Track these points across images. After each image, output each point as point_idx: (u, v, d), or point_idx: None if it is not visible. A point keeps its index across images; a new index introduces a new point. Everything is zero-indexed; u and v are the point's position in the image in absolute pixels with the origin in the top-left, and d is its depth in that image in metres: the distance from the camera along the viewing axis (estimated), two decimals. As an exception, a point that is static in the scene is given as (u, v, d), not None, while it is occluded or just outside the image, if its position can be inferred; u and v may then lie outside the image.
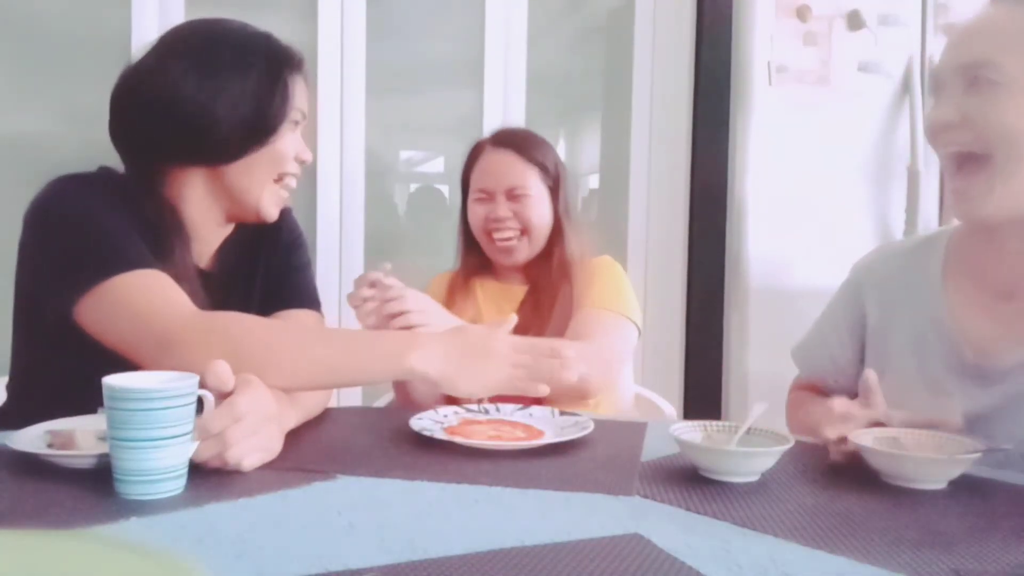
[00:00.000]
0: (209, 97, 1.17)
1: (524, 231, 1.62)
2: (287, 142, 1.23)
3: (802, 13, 2.47)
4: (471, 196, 1.67)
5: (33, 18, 2.24)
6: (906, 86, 2.51)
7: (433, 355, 1.08)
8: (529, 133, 1.72)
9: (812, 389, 1.35)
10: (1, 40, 2.22)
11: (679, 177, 2.73)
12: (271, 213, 1.26)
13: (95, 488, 0.84)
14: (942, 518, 0.84)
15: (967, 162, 1.03)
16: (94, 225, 1.12)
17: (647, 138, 2.72)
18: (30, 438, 0.95)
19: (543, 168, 1.65)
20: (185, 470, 0.86)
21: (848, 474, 0.97)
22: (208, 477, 0.89)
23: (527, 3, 2.61)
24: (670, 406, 1.75)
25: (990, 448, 0.95)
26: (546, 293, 1.62)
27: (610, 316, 1.57)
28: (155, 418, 0.83)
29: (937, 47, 2.53)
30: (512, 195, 1.62)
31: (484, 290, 1.71)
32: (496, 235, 1.63)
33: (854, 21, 2.48)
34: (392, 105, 2.56)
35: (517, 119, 2.57)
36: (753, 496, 0.88)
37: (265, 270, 1.33)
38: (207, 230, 1.26)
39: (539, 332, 1.57)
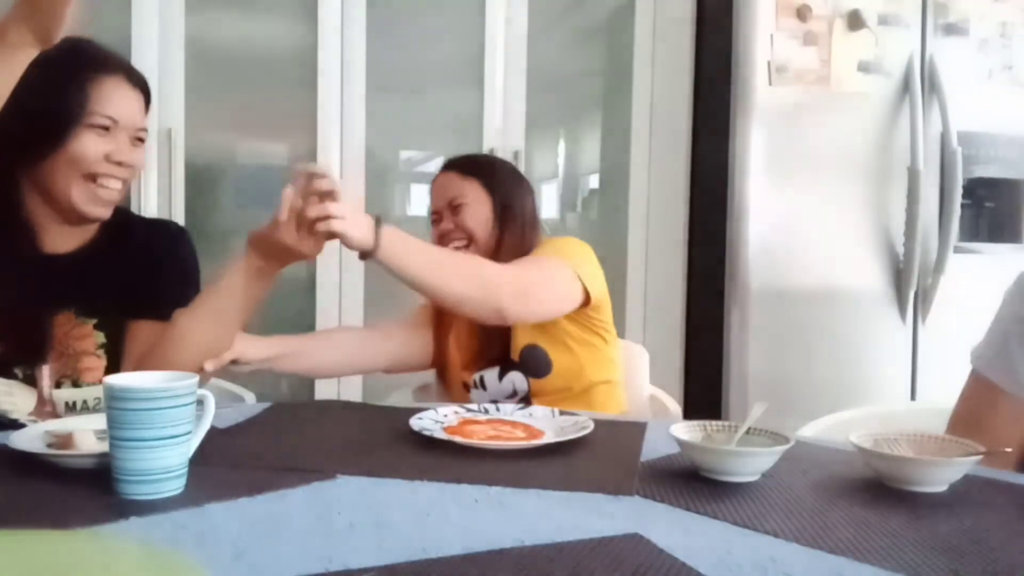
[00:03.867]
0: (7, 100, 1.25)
1: (470, 238, 1.62)
2: (87, 144, 1.28)
3: (802, 13, 2.46)
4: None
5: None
6: (906, 86, 2.51)
7: (254, 252, 1.27)
8: (476, 156, 1.76)
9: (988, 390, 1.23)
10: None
11: (679, 177, 2.73)
12: (89, 211, 1.32)
13: (95, 488, 0.84)
14: (942, 518, 0.84)
15: None
16: None
17: (647, 138, 2.72)
18: (30, 438, 0.95)
19: (482, 177, 1.65)
20: (185, 470, 0.86)
21: (848, 474, 0.97)
22: (208, 477, 0.89)
23: (527, 3, 2.61)
24: (676, 405, 1.75)
25: (991, 451, 0.95)
26: None
27: (543, 256, 1.55)
28: (155, 418, 0.83)
29: (937, 47, 2.53)
30: (452, 207, 1.63)
31: None
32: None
33: (854, 21, 2.48)
34: (392, 105, 2.56)
35: (517, 119, 2.57)
36: (753, 496, 0.88)
37: (134, 278, 1.39)
38: (50, 223, 1.34)
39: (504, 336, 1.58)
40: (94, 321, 1.36)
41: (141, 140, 1.36)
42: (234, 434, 1.10)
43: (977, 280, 2.33)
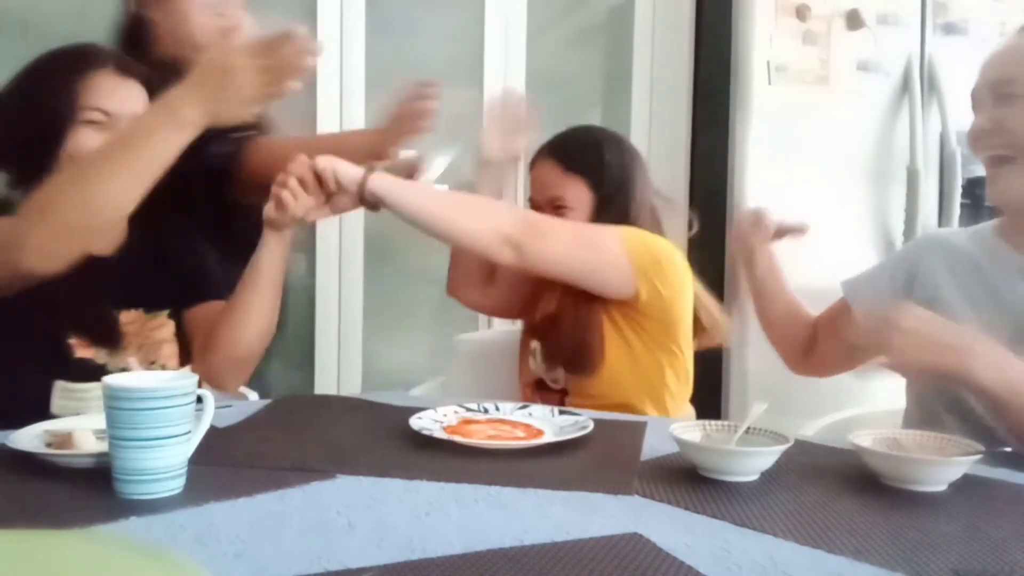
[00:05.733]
0: (9, 110, 1.28)
1: None
2: (84, 141, 1.27)
3: (802, 13, 2.46)
4: None
5: (32, 18, 2.24)
6: (906, 86, 2.51)
7: (193, 96, 1.13)
8: (577, 136, 1.67)
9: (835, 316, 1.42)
10: (1, 40, 2.21)
11: (679, 176, 2.72)
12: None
13: (95, 488, 0.84)
14: (942, 518, 0.84)
15: (1000, 162, 1.22)
16: None
17: (647, 138, 2.72)
18: (29, 438, 0.95)
19: (588, 175, 1.58)
20: (184, 470, 0.86)
21: (848, 474, 0.97)
22: (208, 477, 0.89)
23: (527, 3, 2.61)
24: (689, 406, 1.75)
25: (991, 450, 0.95)
26: None
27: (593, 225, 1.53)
28: (155, 418, 0.83)
29: (937, 47, 2.53)
30: (554, 207, 1.57)
31: None
32: None
33: (854, 21, 2.48)
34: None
35: (517, 119, 2.57)
36: (753, 496, 0.88)
37: (179, 267, 1.40)
38: None
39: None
40: (167, 312, 1.38)
41: None
42: (234, 434, 1.10)
43: (977, 280, 2.32)
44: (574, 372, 1.52)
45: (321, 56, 2.41)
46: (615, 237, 1.48)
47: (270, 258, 1.32)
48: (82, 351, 1.29)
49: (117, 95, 1.30)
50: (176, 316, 1.40)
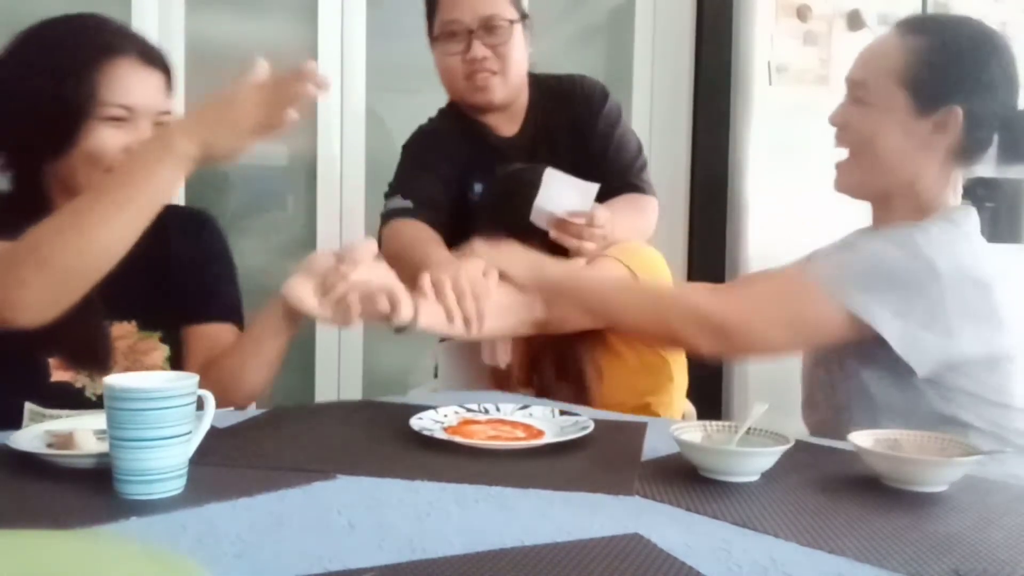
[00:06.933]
0: (13, 94, 1.18)
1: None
2: (102, 138, 1.18)
3: (802, 13, 2.46)
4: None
5: (32, 18, 2.24)
6: (906, 86, 2.51)
7: (189, 130, 1.08)
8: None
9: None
10: (1, 40, 2.21)
11: (679, 177, 2.72)
12: None
13: (95, 488, 0.84)
14: (942, 518, 0.84)
15: (846, 156, 1.35)
16: None
17: (647, 138, 2.72)
18: (30, 438, 0.95)
19: None
20: (185, 470, 0.86)
21: (848, 474, 0.97)
22: (208, 477, 0.89)
23: (527, 3, 2.61)
24: (690, 405, 1.75)
25: (992, 450, 0.95)
26: None
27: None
28: (155, 418, 0.82)
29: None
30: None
31: None
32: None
33: (854, 21, 2.48)
34: (392, 105, 2.55)
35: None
36: (753, 496, 0.88)
37: (183, 280, 1.30)
38: None
39: None
40: (159, 334, 1.30)
41: (160, 124, 1.24)
42: (234, 434, 1.10)
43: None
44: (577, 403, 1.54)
45: (328, 57, 2.42)
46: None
47: (279, 337, 1.26)
48: (59, 373, 1.21)
49: (140, 88, 1.21)
50: (172, 338, 1.32)
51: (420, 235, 1.55)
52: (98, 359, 1.23)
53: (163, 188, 1.10)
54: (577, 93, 1.79)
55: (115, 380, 0.85)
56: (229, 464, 0.95)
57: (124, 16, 2.27)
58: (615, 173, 1.69)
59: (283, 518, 0.79)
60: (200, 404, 0.89)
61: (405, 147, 1.78)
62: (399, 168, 1.75)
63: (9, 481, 0.88)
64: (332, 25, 2.45)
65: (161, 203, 1.12)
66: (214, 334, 1.33)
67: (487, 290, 1.28)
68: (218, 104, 1.10)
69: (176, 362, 1.32)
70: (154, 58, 1.25)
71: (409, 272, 1.29)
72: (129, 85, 1.20)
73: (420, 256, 1.43)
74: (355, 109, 2.47)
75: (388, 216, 1.64)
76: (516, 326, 1.37)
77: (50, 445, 0.95)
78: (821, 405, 1.36)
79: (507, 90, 1.69)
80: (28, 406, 1.19)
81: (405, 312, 1.20)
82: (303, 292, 1.19)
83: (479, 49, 1.62)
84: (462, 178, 1.69)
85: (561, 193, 1.46)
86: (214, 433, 0.94)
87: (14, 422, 1.16)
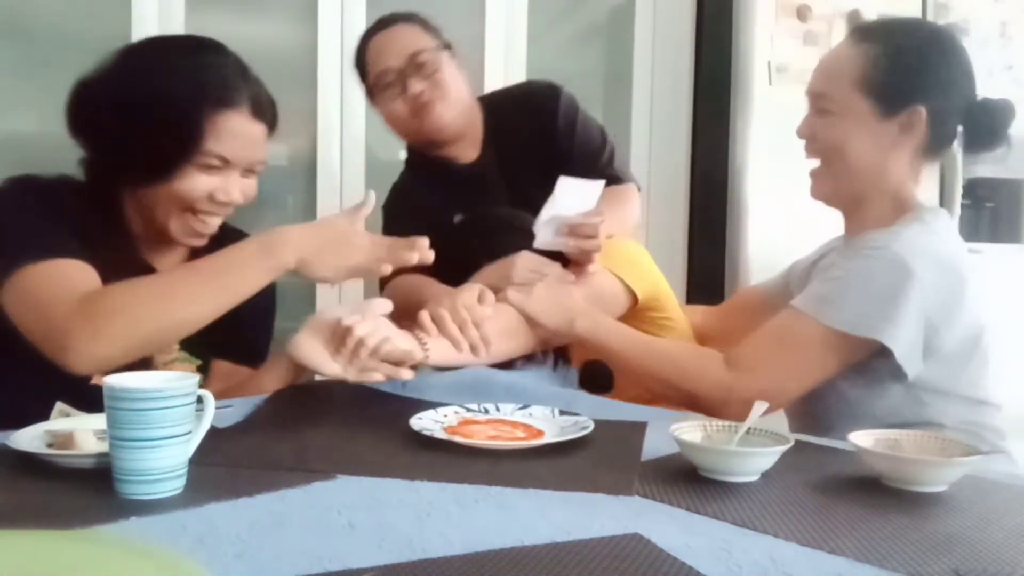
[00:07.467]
0: (119, 125, 1.19)
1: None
2: (195, 184, 1.21)
3: (802, 13, 2.46)
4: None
5: (33, 18, 2.24)
6: (906, 86, 2.51)
7: (296, 245, 1.14)
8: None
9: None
10: (1, 40, 2.22)
11: (679, 177, 2.72)
12: (185, 241, 1.28)
13: (95, 488, 0.84)
14: (942, 518, 0.84)
15: (817, 165, 1.40)
16: (23, 219, 1.17)
17: (647, 138, 2.72)
18: (30, 438, 0.95)
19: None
20: (185, 470, 0.86)
21: (848, 474, 0.97)
22: (208, 477, 0.89)
23: (528, 3, 2.61)
24: None
25: (991, 450, 0.95)
26: None
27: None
28: (155, 418, 0.83)
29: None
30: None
31: None
32: None
33: (854, 21, 2.48)
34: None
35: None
36: (753, 496, 0.88)
37: (230, 318, 1.27)
38: (155, 240, 1.28)
39: None
40: (199, 363, 1.32)
41: (254, 171, 1.28)
42: (235, 434, 1.09)
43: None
44: (594, 392, 1.55)
45: (328, 57, 2.42)
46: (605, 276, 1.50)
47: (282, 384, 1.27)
48: (99, 377, 1.20)
49: (241, 142, 1.23)
50: (206, 369, 1.35)
51: (414, 282, 1.57)
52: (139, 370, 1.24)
53: (253, 287, 1.16)
54: (529, 99, 1.80)
55: (115, 380, 0.85)
56: (229, 464, 0.95)
57: (124, 16, 2.27)
58: (586, 168, 1.67)
59: (283, 518, 0.79)
60: (200, 404, 0.89)
61: (384, 208, 1.80)
62: (384, 229, 1.75)
63: (9, 481, 0.88)
64: (332, 25, 2.45)
65: (243, 299, 1.17)
66: (232, 372, 1.36)
67: (484, 315, 1.33)
68: (333, 235, 1.18)
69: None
70: (263, 111, 1.26)
71: (406, 310, 1.34)
72: (234, 139, 1.22)
73: (417, 300, 1.44)
74: (355, 109, 2.47)
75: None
76: (525, 344, 1.41)
77: (50, 445, 0.95)
78: (799, 412, 1.37)
79: (453, 112, 1.69)
80: (58, 405, 1.19)
81: (417, 352, 1.24)
82: (311, 350, 1.21)
83: (415, 85, 1.66)
84: (442, 214, 1.68)
85: (575, 195, 1.47)
86: (214, 433, 0.94)
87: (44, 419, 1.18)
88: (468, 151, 1.75)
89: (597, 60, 2.85)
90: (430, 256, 1.21)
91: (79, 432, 0.95)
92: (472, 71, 2.55)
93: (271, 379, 1.27)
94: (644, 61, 2.72)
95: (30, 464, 0.90)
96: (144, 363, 1.24)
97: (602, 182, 1.49)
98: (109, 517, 0.77)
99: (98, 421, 0.91)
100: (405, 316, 1.32)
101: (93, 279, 1.14)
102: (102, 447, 0.89)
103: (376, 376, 1.19)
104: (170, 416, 0.83)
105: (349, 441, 1.08)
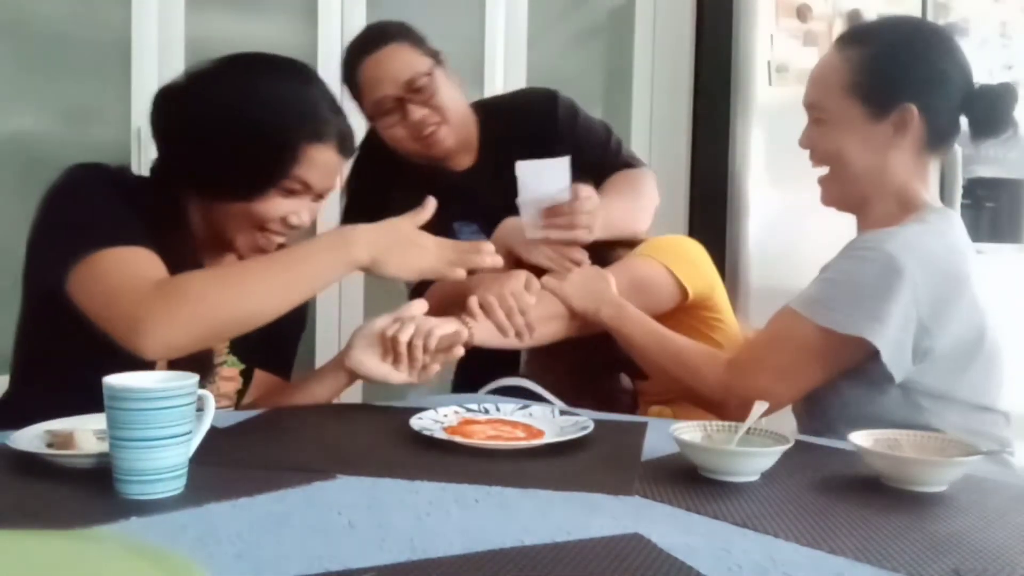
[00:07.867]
0: (212, 140, 1.20)
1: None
2: (272, 207, 1.22)
3: (802, 13, 2.47)
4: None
5: (33, 18, 2.24)
6: (906, 86, 2.51)
7: (369, 242, 1.16)
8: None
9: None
10: (1, 40, 2.22)
11: (679, 177, 2.72)
12: (247, 255, 1.28)
13: (95, 488, 0.84)
14: (942, 518, 0.84)
15: (824, 172, 1.41)
16: (93, 204, 1.17)
17: (647, 138, 2.72)
18: (30, 438, 0.95)
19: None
20: (185, 470, 0.86)
21: (848, 474, 0.97)
22: (208, 477, 0.89)
23: (527, 3, 2.61)
24: None
25: (991, 450, 0.95)
26: None
27: (634, 258, 1.58)
28: (155, 418, 0.83)
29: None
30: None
31: None
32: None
33: (854, 21, 2.48)
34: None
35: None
36: (753, 496, 0.88)
37: (272, 328, 1.27)
38: (213, 246, 1.29)
39: None
40: (242, 367, 1.34)
41: (324, 197, 1.29)
42: (234, 434, 1.10)
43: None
44: (635, 378, 1.58)
45: (328, 57, 2.42)
46: (655, 267, 1.54)
47: (332, 392, 1.29)
48: (163, 363, 1.21)
49: (324, 173, 1.25)
50: (248, 376, 1.36)
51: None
52: (203, 368, 1.22)
53: (327, 282, 1.20)
54: (527, 107, 1.79)
55: (115, 380, 0.85)
56: (229, 464, 0.95)
57: (124, 16, 2.27)
58: (594, 164, 1.68)
59: (283, 518, 0.79)
60: (200, 404, 0.89)
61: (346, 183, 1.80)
62: (347, 207, 1.78)
63: (9, 481, 0.88)
64: (332, 25, 2.45)
65: (316, 292, 1.21)
66: (266, 381, 1.39)
67: (530, 302, 1.40)
68: (399, 236, 1.20)
69: (240, 397, 1.37)
70: (348, 147, 1.28)
71: (454, 299, 1.41)
72: (319, 170, 1.23)
73: (464, 287, 1.44)
74: (355, 108, 2.47)
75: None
76: (564, 329, 1.47)
77: (50, 445, 0.95)
78: (802, 413, 1.37)
79: (456, 133, 1.69)
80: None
81: (463, 332, 1.30)
82: (374, 365, 1.25)
83: (415, 112, 1.64)
84: (440, 221, 1.68)
85: (539, 177, 1.48)
86: (214, 433, 0.94)
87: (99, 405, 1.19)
88: (463, 158, 1.75)
89: (597, 60, 2.85)
90: (499, 261, 1.24)
91: (79, 432, 0.95)
92: (472, 72, 2.57)
93: (323, 389, 1.29)
94: (644, 61, 2.72)
95: (30, 464, 0.90)
96: (208, 360, 1.26)
97: (566, 158, 1.48)
98: (109, 517, 0.77)
99: (98, 421, 0.91)
100: (453, 307, 1.37)
101: (162, 268, 1.15)
102: (102, 447, 0.89)
103: (435, 368, 1.25)
104: (170, 416, 0.83)
105: (349, 441, 1.09)
